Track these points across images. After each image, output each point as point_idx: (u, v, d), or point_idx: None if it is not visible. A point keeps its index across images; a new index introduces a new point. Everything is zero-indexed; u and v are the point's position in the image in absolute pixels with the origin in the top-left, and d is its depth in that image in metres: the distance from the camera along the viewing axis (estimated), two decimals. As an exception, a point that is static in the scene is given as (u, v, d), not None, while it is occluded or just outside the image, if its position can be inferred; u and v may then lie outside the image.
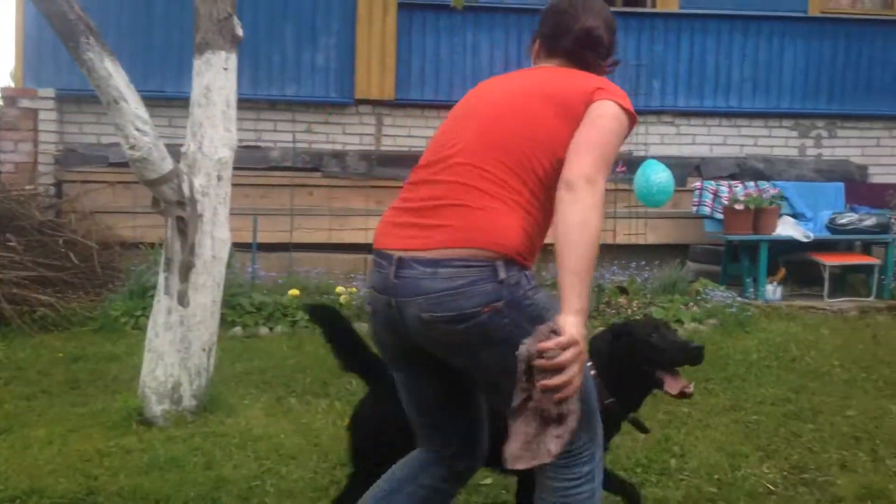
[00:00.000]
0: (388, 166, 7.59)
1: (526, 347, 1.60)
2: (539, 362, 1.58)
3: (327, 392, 4.27)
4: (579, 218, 1.63)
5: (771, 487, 3.01)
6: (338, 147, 7.62)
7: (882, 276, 7.08)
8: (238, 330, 5.72)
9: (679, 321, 5.93)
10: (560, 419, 1.60)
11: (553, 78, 1.93)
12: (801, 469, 3.20)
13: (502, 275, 1.71)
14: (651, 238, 7.78)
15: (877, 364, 4.90)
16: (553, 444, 1.61)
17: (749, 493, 2.94)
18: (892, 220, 7.15)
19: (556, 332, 1.58)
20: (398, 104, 7.68)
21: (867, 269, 7.23)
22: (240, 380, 4.48)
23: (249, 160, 7.39)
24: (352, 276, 6.65)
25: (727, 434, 3.61)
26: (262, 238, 7.10)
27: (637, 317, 6.01)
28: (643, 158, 7.40)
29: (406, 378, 2.00)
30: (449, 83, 7.70)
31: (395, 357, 1.98)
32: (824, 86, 8.10)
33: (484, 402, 2.01)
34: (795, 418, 3.85)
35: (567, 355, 1.57)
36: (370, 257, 7.12)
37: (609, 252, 7.48)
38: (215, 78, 3.85)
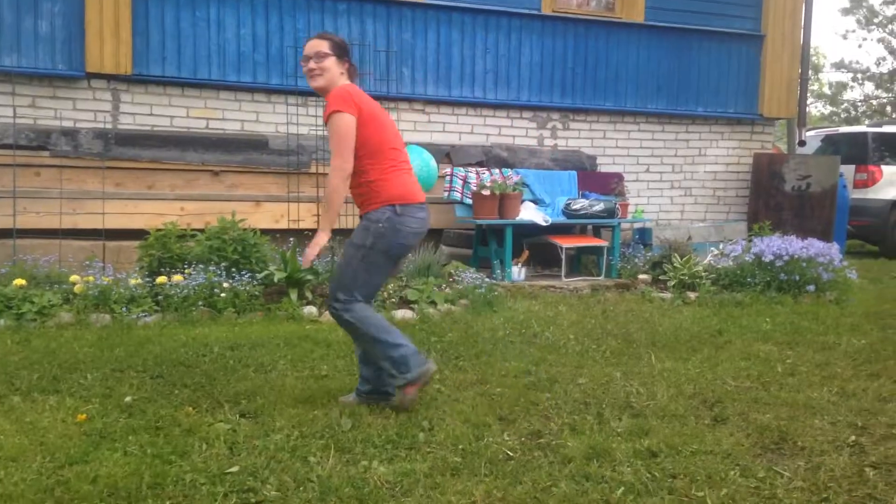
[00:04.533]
0: (127, 146, 7.04)
1: None
2: None
3: (57, 388, 3.90)
4: None
5: (510, 453, 3.17)
6: (68, 124, 6.94)
7: (610, 257, 7.79)
8: (-49, 325, 5.11)
9: (433, 302, 6.11)
10: None
11: None
12: (538, 435, 3.41)
13: None
14: (405, 223, 7.93)
15: (605, 336, 5.37)
16: None
17: (490, 460, 3.07)
18: (617, 206, 7.89)
19: None
20: (137, 80, 7.14)
21: (597, 250, 7.92)
22: (-50, 380, 3.95)
23: (-39, 136, 6.55)
24: (87, 263, 6.09)
25: (473, 406, 3.76)
26: (-20, 223, 6.33)
27: (393, 300, 6.12)
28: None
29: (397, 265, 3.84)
30: (193, 59, 7.29)
31: (404, 256, 3.80)
32: (557, 81, 8.73)
33: None
34: (534, 388, 4.10)
35: None
36: (110, 244, 6.67)
37: (364, 237, 7.53)
38: None
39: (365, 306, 3.65)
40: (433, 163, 6.75)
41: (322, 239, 3.55)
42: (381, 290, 4.65)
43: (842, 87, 30.39)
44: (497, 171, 8.03)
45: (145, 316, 5.49)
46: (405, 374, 3.59)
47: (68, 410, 3.56)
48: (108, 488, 2.73)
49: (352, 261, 3.59)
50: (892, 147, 11.77)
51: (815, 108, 31.27)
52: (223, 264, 6.01)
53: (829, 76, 31.70)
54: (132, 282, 5.78)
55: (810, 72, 11.08)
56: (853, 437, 3.41)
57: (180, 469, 2.92)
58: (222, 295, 5.72)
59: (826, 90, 31.10)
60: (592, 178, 8.57)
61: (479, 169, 8.03)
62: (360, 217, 3.68)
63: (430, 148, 7.80)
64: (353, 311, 3.60)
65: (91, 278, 5.71)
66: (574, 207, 7.83)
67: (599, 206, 7.81)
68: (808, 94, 11.61)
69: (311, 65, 3.61)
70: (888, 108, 28.82)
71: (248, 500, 2.70)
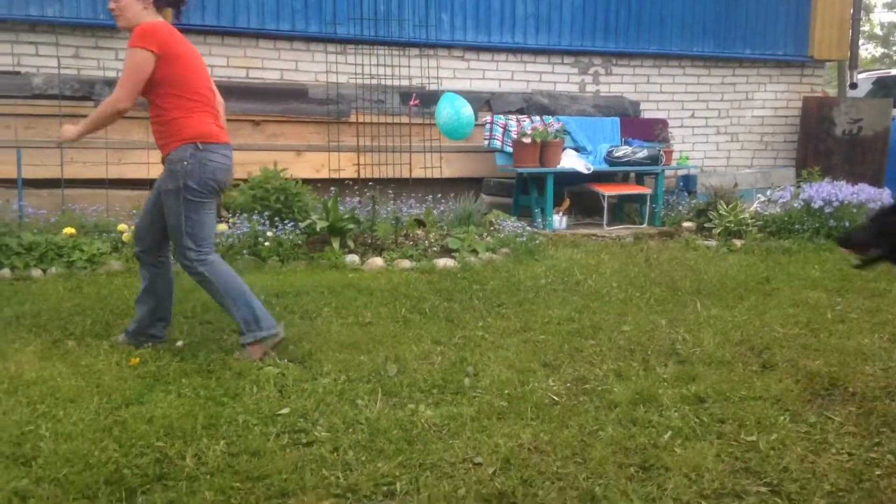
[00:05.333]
0: (169, 96, 7.07)
1: None
2: None
3: (110, 333, 4.01)
4: None
5: (555, 398, 3.19)
6: (111, 74, 6.98)
7: (653, 205, 7.69)
8: (6, 272, 5.28)
9: (474, 251, 6.10)
10: None
11: None
12: (583, 380, 3.42)
13: None
14: (446, 172, 7.91)
15: (649, 284, 5.33)
16: None
17: (536, 405, 3.09)
18: (661, 153, 7.75)
19: None
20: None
21: (640, 198, 7.82)
22: (8, 324, 4.12)
23: (8, 87, 6.65)
24: (134, 212, 6.19)
25: (517, 353, 3.77)
26: (29, 173, 6.44)
27: (434, 248, 6.13)
28: (436, 93, 7.45)
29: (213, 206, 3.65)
30: (232, 7, 7.24)
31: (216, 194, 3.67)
32: (600, 23, 8.51)
33: None
34: (578, 335, 4.10)
35: None
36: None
37: (405, 186, 7.53)
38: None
39: (218, 259, 3.67)
40: (466, 110, 6.58)
41: (70, 131, 3.60)
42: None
43: (894, 27, 29.26)
44: (538, 118, 7.92)
45: (192, 264, 5.58)
46: (254, 332, 3.60)
47: (122, 354, 3.65)
48: (164, 428, 2.81)
49: (177, 209, 3.54)
50: (947, 89, 11.33)
51: (866, 50, 30.20)
52: (266, 213, 6.06)
53: (880, 16, 30.59)
54: (178, 231, 5.86)
55: (862, 12, 10.66)
56: (905, 384, 3.37)
57: (233, 410, 2.99)
58: (266, 244, 5.78)
59: (878, 31, 29.99)
60: (636, 125, 8.41)
61: (520, 116, 7.93)
62: (163, 161, 3.62)
63: (469, 96, 7.69)
64: (206, 264, 3.61)
65: (138, 227, 5.80)
66: (616, 155, 7.72)
67: (643, 153, 7.68)
68: (860, 36, 11.19)
69: (111, 5, 3.57)
70: (943, 50, 27.73)
71: (300, 440, 2.76)
